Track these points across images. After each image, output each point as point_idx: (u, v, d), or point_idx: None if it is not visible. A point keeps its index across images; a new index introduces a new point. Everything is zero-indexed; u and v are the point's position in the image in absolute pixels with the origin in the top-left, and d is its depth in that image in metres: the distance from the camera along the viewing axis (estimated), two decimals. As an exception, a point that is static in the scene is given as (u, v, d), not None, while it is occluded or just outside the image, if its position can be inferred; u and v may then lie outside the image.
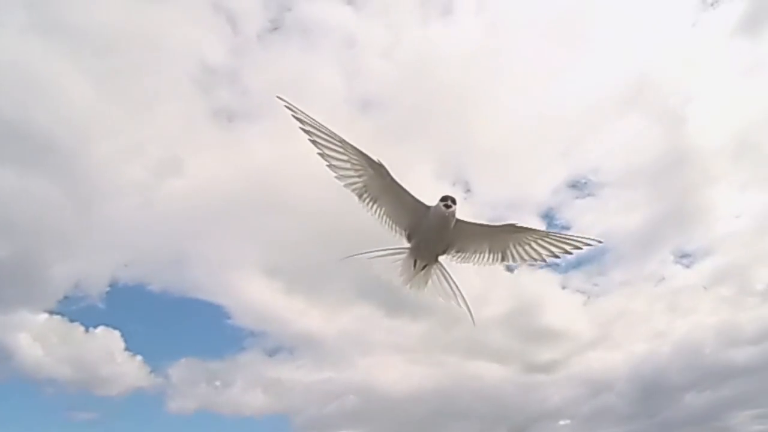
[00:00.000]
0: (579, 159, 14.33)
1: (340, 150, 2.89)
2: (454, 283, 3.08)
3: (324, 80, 13.47)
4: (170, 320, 15.97)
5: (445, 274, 3.14)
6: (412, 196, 2.85)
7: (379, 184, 2.87)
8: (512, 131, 14.10)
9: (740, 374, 12.38)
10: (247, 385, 14.93)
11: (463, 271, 3.14)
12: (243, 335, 15.94)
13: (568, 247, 3.15)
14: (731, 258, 13.03)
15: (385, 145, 12.93)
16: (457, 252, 3.07)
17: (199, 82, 13.30)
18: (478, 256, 3.10)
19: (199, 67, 13.23)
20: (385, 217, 2.97)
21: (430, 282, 3.12)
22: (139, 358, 13.74)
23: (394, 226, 2.97)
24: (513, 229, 3.03)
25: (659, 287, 13.77)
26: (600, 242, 3.15)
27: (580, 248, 3.15)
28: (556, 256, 3.14)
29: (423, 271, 3.02)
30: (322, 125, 2.85)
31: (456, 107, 13.16)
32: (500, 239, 3.06)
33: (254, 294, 14.50)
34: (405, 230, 2.95)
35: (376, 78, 13.82)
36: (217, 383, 14.73)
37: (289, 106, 2.80)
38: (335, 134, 2.87)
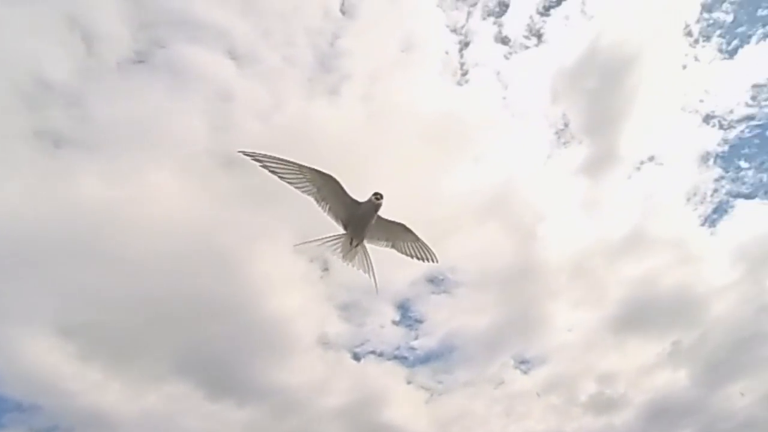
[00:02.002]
0: (440, 255, 14.03)
1: (297, 173, 3.71)
2: (371, 261, 4.13)
3: (187, 127, 12.19)
4: None
5: (367, 253, 4.14)
6: (350, 196, 3.75)
7: (329, 188, 3.74)
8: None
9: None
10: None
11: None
12: (5, 408, 12.07)
13: (420, 255, 4.16)
14: (562, 368, 14.03)
15: (243, 206, 11.93)
16: (372, 237, 4.01)
17: (27, 95, 10.85)
18: (383, 242, 4.08)
19: (31, 80, 10.85)
20: (331, 212, 3.86)
21: (356, 258, 4.12)
22: None
23: (337, 218, 3.86)
24: (403, 228, 4.01)
25: (498, 390, 13.93)
26: (436, 262, 4.18)
27: (424, 261, 4.19)
28: (414, 257, 4.15)
29: (354, 249, 3.99)
30: (280, 158, 3.64)
31: None
32: (396, 233, 4.03)
33: (35, 356, 11.21)
34: (343, 220, 3.86)
35: (247, 138, 12.88)
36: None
37: (251, 154, 3.59)
38: (292, 162, 3.68)
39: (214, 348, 12.35)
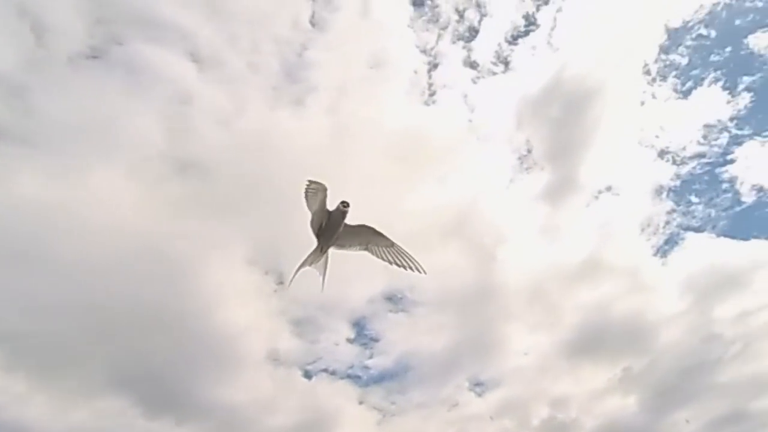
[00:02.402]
0: (398, 274, 14.13)
1: (312, 188, 3.80)
2: (328, 266, 4.24)
3: (141, 128, 11.74)
4: None
5: (327, 259, 4.23)
6: (325, 206, 3.86)
7: (319, 198, 3.81)
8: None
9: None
10: None
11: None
12: None
13: (400, 262, 4.12)
14: (516, 392, 14.04)
15: (196, 214, 11.72)
16: (344, 244, 4.09)
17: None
18: (356, 246, 4.14)
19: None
20: (313, 222, 3.98)
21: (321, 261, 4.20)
22: None
23: (314, 227, 3.98)
24: (372, 231, 4.04)
25: (452, 413, 13.72)
26: (425, 273, 4.11)
27: (405, 268, 4.14)
28: (394, 264, 4.13)
29: (321, 255, 4.13)
30: (314, 181, 3.73)
31: (286, 194, 12.15)
32: (365, 236, 4.08)
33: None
34: (317, 229, 3.99)
35: (205, 143, 12.47)
36: None
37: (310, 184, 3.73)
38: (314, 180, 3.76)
39: (154, 361, 11.71)
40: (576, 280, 14.22)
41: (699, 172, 13.70)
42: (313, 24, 12.99)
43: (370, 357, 13.82)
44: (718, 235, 13.43)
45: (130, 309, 11.08)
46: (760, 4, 12.72)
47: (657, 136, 13.86)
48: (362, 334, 13.96)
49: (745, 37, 12.96)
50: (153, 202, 11.65)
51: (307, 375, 13.08)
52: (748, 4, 12.86)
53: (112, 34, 11.08)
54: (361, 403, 13.24)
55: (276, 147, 12.46)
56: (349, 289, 13.74)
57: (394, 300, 14.19)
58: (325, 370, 13.24)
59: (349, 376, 13.45)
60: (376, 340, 14.02)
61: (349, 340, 13.72)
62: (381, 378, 13.79)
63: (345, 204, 3.81)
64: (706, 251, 13.52)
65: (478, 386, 13.80)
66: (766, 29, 12.66)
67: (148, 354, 11.63)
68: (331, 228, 3.96)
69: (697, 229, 13.66)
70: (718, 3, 12.88)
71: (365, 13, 13.36)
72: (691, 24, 13.18)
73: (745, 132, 13.19)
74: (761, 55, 12.90)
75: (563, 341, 13.91)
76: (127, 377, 11.22)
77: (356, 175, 13.23)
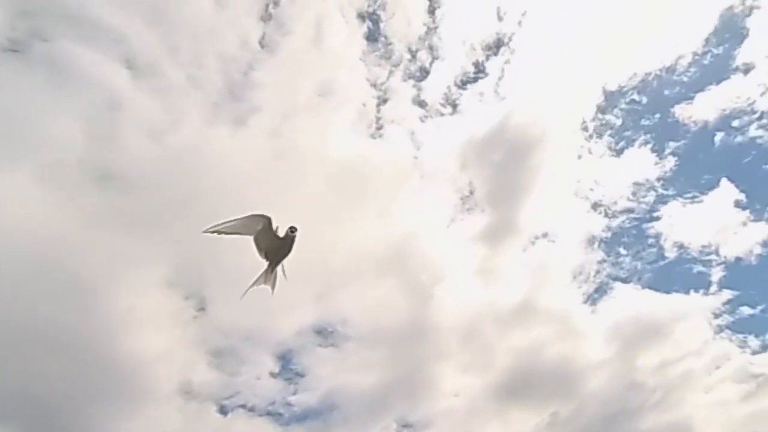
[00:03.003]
0: (332, 306, 13.83)
1: (245, 225, 4.02)
2: (276, 282, 4.37)
3: (61, 130, 10.78)
4: None
5: (276, 274, 4.38)
6: (275, 233, 4.08)
7: (263, 228, 4.05)
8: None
9: None
10: None
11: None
12: None
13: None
14: None
15: (113, 228, 10.81)
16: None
17: None
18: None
19: None
20: (259, 248, 4.15)
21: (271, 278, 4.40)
22: None
23: (260, 251, 4.15)
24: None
25: None
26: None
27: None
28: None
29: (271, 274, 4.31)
30: (228, 222, 3.95)
31: (218, 215, 11.51)
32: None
33: None
34: (265, 252, 4.18)
35: (131, 154, 11.69)
36: None
37: (210, 231, 3.93)
38: (235, 219, 3.98)
39: (47, 389, 10.42)
40: (509, 322, 14.41)
41: (628, 226, 14.39)
42: (262, 45, 12.79)
43: (294, 393, 13.14)
44: (643, 287, 14.02)
45: (24, 328, 9.93)
46: (685, 79, 13.82)
47: (591, 189, 14.54)
48: (287, 368, 13.27)
49: (672, 106, 14.03)
50: (64, 211, 10.63)
51: (223, 411, 12.20)
52: (675, 77, 13.90)
53: (37, 29, 10.28)
54: (280, 443, 12.41)
55: (210, 165, 11.90)
56: (278, 320, 13.16)
57: (324, 333, 13.70)
58: (243, 406, 12.41)
59: (269, 413, 12.68)
60: (301, 375, 13.38)
61: (273, 374, 13.00)
62: (304, 416, 13.06)
63: (293, 229, 4.11)
64: (632, 302, 14.06)
65: (407, 428, 13.37)
66: (690, 101, 13.77)
67: (41, 380, 10.38)
68: (280, 252, 4.23)
69: (625, 280, 14.21)
70: (650, 73, 13.89)
71: (318, 40, 13.35)
72: (625, 89, 14.11)
73: (670, 192, 14.10)
74: (685, 124, 13.95)
75: (494, 384, 13.90)
76: (11, 407, 9.93)
77: (295, 202, 12.83)
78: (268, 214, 3.98)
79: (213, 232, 4.01)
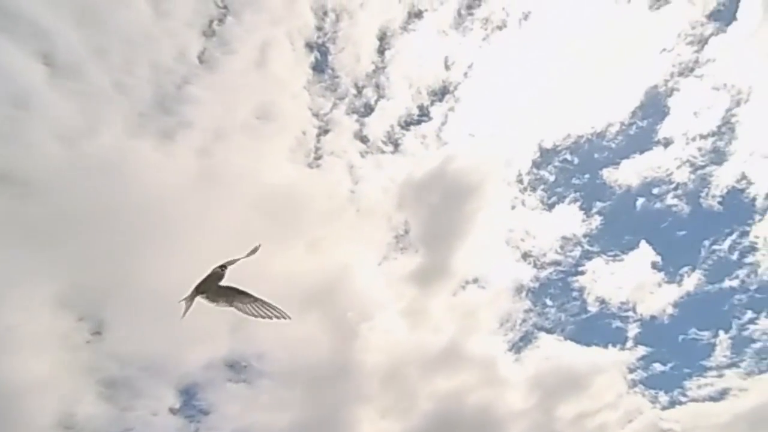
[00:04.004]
0: (249, 339, 13.00)
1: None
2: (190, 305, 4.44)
3: None
4: None
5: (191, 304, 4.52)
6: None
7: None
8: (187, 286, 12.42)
9: None
10: None
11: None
12: None
13: (264, 313, 4.33)
14: None
15: (5, 236, 9.76)
16: (211, 299, 4.41)
17: None
18: (223, 303, 4.42)
19: None
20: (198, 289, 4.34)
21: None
22: None
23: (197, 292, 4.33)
24: (237, 291, 4.34)
25: None
26: (289, 318, 4.32)
27: (271, 318, 4.31)
28: (259, 316, 4.36)
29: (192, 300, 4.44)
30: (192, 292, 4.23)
31: (129, 232, 10.81)
32: (232, 296, 4.37)
33: None
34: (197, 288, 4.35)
35: (36, 157, 10.63)
36: None
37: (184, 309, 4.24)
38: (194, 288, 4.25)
39: None
40: (434, 367, 14.19)
41: (555, 278, 14.79)
42: (201, 60, 12.39)
43: (195, 433, 12.09)
44: (566, 338, 14.32)
45: None
46: (613, 145, 14.74)
47: (522, 240, 14.93)
48: (190, 404, 12.16)
49: (601, 169, 14.85)
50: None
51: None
52: (604, 143, 14.80)
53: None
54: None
55: (128, 178, 11.08)
56: (185, 350, 12.14)
57: (236, 368, 12.79)
58: (133, 445, 11.15)
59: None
60: (206, 412, 12.29)
61: (173, 411, 11.84)
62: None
63: (223, 267, 4.25)
64: (554, 352, 14.30)
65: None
66: (617, 166, 14.66)
67: None
68: (207, 287, 4.36)
69: (549, 330, 14.45)
70: (582, 136, 14.71)
71: (262, 63, 13.14)
72: (560, 148, 14.83)
73: (594, 249, 14.69)
74: (611, 187, 14.76)
75: (413, 429, 13.45)
76: None
77: (219, 226, 12.18)
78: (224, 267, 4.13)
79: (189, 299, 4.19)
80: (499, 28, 14.29)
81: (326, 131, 13.95)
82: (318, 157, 13.88)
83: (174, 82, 11.95)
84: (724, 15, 13.37)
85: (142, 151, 11.42)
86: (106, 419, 10.98)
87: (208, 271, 4.33)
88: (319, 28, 13.50)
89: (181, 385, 11.98)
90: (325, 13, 13.54)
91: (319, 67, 13.80)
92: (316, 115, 13.70)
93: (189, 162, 12.24)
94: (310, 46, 13.48)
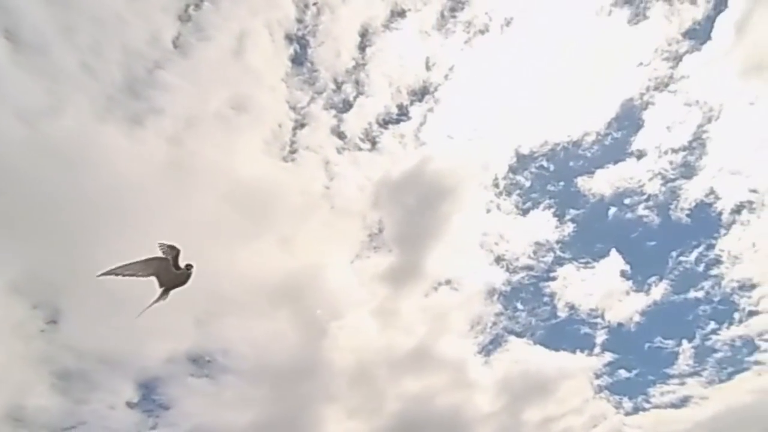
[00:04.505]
0: (214, 334, 12.88)
1: (144, 267, 4.29)
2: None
3: None
4: None
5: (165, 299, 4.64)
6: (175, 266, 4.40)
7: (163, 266, 4.39)
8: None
9: None
10: None
11: None
12: None
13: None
14: None
15: None
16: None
17: None
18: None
19: None
20: (159, 281, 4.44)
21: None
22: None
23: (160, 283, 4.44)
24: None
25: None
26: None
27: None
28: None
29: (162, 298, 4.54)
30: (126, 265, 4.15)
31: (91, 219, 10.35)
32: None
33: None
34: (162, 282, 4.46)
35: None
36: None
37: (107, 273, 4.10)
38: (138, 262, 4.22)
39: None
40: (403, 367, 14.15)
41: (526, 282, 14.91)
42: (175, 45, 12.05)
43: (153, 428, 11.83)
44: (535, 343, 14.44)
45: None
46: (588, 154, 14.93)
47: (496, 243, 15.01)
48: (149, 398, 11.88)
49: (575, 177, 15.03)
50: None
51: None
52: (580, 151, 14.99)
53: None
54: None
55: (92, 162, 10.71)
56: (146, 343, 11.82)
57: (199, 363, 12.55)
58: (86, 441, 10.71)
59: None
60: (165, 407, 12.04)
61: (130, 405, 11.60)
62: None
63: (189, 266, 4.43)
64: (524, 356, 14.39)
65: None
66: (591, 175, 14.85)
67: None
68: (176, 283, 4.48)
69: (519, 334, 14.56)
70: (559, 143, 14.88)
71: (239, 52, 12.86)
72: (536, 155, 14.96)
73: (566, 256, 14.86)
74: (585, 195, 14.96)
75: (380, 430, 13.35)
76: None
77: (188, 217, 11.88)
78: (173, 249, 4.26)
79: (109, 274, 4.11)
80: (482, 32, 14.35)
81: (303, 125, 13.80)
82: (293, 151, 13.72)
83: (145, 66, 11.62)
84: (700, 34, 13.72)
85: (109, 135, 11.06)
86: (59, 412, 10.63)
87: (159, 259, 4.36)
88: (300, 21, 13.32)
89: (141, 379, 11.76)
90: (307, 6, 13.37)
91: (298, 60, 13.62)
92: (293, 108, 13.53)
93: (158, 150, 11.92)
94: (289, 38, 13.29)
